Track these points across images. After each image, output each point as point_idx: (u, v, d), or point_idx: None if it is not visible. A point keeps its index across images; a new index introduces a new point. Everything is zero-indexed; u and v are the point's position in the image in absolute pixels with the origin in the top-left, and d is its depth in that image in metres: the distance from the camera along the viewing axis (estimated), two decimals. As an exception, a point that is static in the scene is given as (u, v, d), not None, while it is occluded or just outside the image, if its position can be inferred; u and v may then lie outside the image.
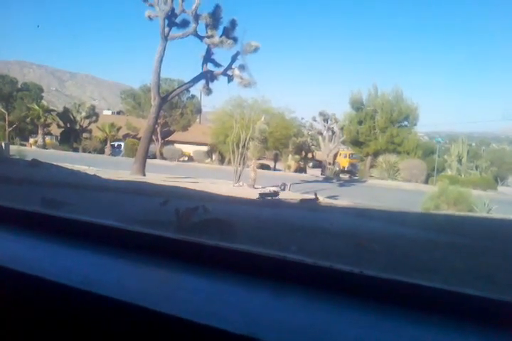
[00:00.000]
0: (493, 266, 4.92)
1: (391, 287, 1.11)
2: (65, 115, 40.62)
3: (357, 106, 35.64)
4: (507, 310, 1.00)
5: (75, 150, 37.87)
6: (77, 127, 40.46)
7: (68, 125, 40.61)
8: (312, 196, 13.29)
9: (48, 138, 40.22)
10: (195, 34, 19.57)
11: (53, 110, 42.16)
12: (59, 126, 40.78)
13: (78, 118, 40.33)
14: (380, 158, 32.30)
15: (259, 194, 13.11)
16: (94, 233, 1.43)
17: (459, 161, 34.37)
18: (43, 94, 43.70)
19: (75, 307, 1.05)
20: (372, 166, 33.88)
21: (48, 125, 40.08)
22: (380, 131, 34.53)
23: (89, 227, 1.47)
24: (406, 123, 35.12)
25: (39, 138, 38.64)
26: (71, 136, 39.86)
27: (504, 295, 1.02)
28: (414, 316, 1.03)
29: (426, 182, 30.04)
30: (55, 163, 16.35)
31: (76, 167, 17.38)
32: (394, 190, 23.91)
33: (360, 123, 35.22)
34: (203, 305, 1.02)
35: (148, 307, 0.96)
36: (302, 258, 1.21)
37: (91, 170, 16.76)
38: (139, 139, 24.40)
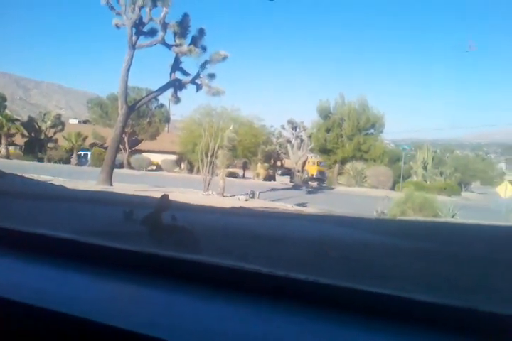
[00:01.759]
0: (456, 270, 5.03)
1: (346, 295, 1.12)
2: (30, 124, 39.67)
3: (324, 114, 36.05)
4: (453, 315, 1.02)
5: (40, 160, 37.00)
6: (42, 137, 39.55)
7: (33, 134, 39.66)
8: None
9: (11, 148, 39.20)
10: (163, 43, 19.50)
11: (17, 119, 41.10)
12: (23, 136, 39.77)
13: (43, 127, 39.45)
14: (348, 166, 32.72)
15: None
16: (47, 246, 1.40)
17: (425, 168, 35.09)
18: (6, 103, 42.50)
19: (25, 324, 1.02)
20: (340, 173, 34.26)
21: (12, 135, 39.05)
22: (347, 139, 34.98)
23: (41, 240, 1.43)
24: (372, 131, 35.68)
25: (2, 148, 37.58)
26: (36, 146, 38.92)
27: (464, 301, 1.04)
28: (370, 324, 1.03)
29: (393, 188, 30.53)
30: (19, 174, 15.94)
31: (41, 177, 16.99)
32: (361, 196, 24.20)
33: (327, 131, 35.62)
34: (158, 318, 1.01)
35: (101, 322, 0.95)
36: (259, 268, 1.21)
37: (56, 181, 16.41)
38: (106, 148, 24.05)
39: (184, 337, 0.90)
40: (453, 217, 14.24)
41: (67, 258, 1.34)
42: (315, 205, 15.82)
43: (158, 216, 4.59)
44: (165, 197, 4.97)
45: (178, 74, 20.21)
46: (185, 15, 19.54)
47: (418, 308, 1.06)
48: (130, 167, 36.23)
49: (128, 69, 19.19)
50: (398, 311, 1.05)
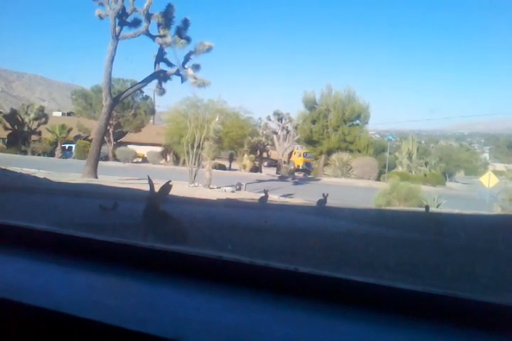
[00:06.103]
0: (441, 259, 5.07)
1: (326, 283, 1.11)
2: (13, 117, 39.09)
3: (310, 105, 36.00)
4: (439, 304, 1.01)
5: (24, 153, 36.56)
6: (26, 129, 39.03)
7: (16, 127, 39.09)
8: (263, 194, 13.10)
9: (-6, 141, 38.74)
10: (147, 33, 19.25)
11: (-1, 112, 40.63)
12: (6, 129, 39.20)
13: (26, 120, 38.90)
14: (333, 157, 32.75)
15: None
16: (19, 237, 1.37)
17: (409, 158, 35.32)
18: (-13, 96, 41.97)
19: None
20: (325, 164, 34.27)
21: (-6, 128, 38.55)
22: (332, 130, 35.01)
23: (14, 232, 1.40)
24: (358, 121, 35.72)
25: (-16, 142, 37.15)
26: (19, 139, 38.42)
27: (448, 289, 1.03)
28: (348, 313, 1.03)
29: (378, 179, 30.69)
30: (2, 167, 15.71)
31: (24, 170, 16.76)
32: (347, 187, 24.33)
33: (313, 122, 35.59)
34: (133, 310, 0.99)
35: (76, 315, 0.92)
36: (238, 258, 1.19)
37: (40, 174, 16.22)
38: (91, 141, 23.81)
39: (160, 329, 0.88)
40: (438, 206, 14.39)
41: (41, 250, 1.31)
42: (301, 196, 15.86)
43: (158, 200, 4.45)
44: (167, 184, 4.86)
45: (162, 66, 20.02)
46: (169, 6, 19.30)
47: (399, 296, 1.05)
48: (115, 159, 35.90)
49: (112, 61, 18.94)
50: (378, 299, 1.04)
